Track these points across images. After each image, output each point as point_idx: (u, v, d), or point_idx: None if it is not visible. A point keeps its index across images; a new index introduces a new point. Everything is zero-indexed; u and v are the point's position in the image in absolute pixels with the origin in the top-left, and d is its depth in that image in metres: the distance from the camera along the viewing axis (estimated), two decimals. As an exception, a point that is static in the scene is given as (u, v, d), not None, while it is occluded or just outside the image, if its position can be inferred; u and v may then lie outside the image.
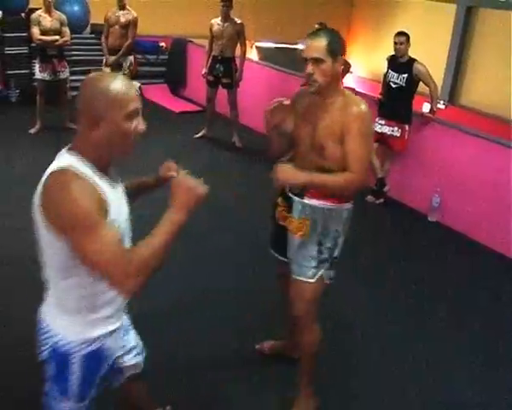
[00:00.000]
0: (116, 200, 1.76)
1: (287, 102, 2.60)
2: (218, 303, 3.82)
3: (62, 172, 1.64)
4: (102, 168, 1.73)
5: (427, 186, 5.69)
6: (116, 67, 7.09)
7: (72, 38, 7.34)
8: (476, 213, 5.27)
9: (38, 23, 6.89)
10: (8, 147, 6.54)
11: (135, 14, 7.09)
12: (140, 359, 2.21)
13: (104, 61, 7.29)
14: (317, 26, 6.67)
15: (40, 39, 6.90)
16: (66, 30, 7.08)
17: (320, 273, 2.63)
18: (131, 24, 7.08)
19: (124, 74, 7.23)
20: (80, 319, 1.82)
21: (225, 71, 7.05)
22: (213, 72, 7.10)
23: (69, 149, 1.73)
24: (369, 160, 2.49)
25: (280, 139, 2.63)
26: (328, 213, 2.57)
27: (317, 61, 2.40)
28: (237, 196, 5.69)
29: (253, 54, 10.41)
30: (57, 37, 6.96)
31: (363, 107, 2.46)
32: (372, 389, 3.20)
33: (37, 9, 7.10)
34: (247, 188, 5.93)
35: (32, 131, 7.18)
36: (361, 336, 3.67)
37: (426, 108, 6.25)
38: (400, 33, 5.74)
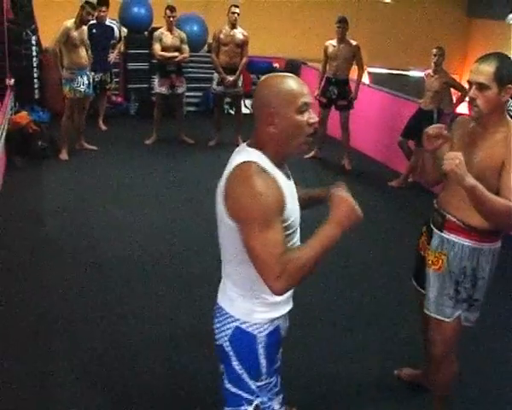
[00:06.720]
0: (291, 194, 1.85)
1: (446, 131, 2.39)
2: (362, 326, 3.80)
3: (247, 165, 1.76)
4: (279, 163, 1.84)
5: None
6: (231, 86, 7.26)
7: (190, 56, 7.58)
8: None
9: (160, 40, 7.24)
10: (125, 155, 6.88)
11: (246, 34, 7.26)
12: None
13: (217, 79, 7.35)
14: (435, 50, 6.44)
15: (161, 55, 7.22)
16: (186, 47, 7.38)
17: (457, 313, 2.48)
18: (245, 43, 7.24)
19: (238, 94, 7.43)
20: (260, 301, 1.88)
21: (340, 93, 6.99)
22: (326, 93, 7.05)
23: (248, 144, 1.86)
24: None
25: (434, 164, 2.48)
26: (467, 251, 2.41)
27: (482, 86, 2.26)
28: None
29: (364, 78, 10.28)
30: (177, 53, 7.28)
31: None
32: None
33: (159, 28, 7.45)
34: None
35: (148, 141, 7.48)
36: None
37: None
38: None
